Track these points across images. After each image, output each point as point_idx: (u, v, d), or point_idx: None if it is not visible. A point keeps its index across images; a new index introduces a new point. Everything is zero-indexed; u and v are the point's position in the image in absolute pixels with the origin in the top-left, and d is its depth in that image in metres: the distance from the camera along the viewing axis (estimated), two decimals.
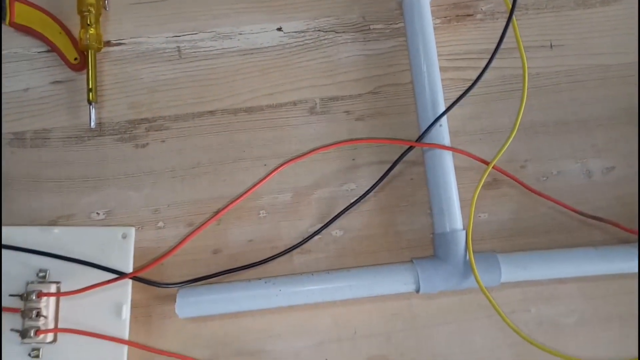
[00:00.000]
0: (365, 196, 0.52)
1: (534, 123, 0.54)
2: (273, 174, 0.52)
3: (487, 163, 0.51)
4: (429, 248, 0.52)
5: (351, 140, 0.53)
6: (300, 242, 0.52)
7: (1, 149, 0.52)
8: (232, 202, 0.52)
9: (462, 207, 0.50)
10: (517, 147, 0.54)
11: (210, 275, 0.50)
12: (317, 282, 0.49)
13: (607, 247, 0.50)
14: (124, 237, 0.48)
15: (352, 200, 0.52)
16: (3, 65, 0.54)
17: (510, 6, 0.48)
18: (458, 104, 0.53)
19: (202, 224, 0.51)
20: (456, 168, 0.51)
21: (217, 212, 0.51)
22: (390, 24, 0.56)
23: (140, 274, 0.48)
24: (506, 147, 0.50)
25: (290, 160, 0.52)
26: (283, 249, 0.51)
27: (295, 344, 0.50)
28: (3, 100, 0.53)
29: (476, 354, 0.50)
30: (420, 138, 0.51)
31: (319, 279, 0.49)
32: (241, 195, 0.52)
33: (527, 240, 0.52)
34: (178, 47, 0.55)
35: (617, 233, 0.51)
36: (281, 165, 0.52)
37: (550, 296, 0.51)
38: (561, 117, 0.54)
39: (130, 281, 0.47)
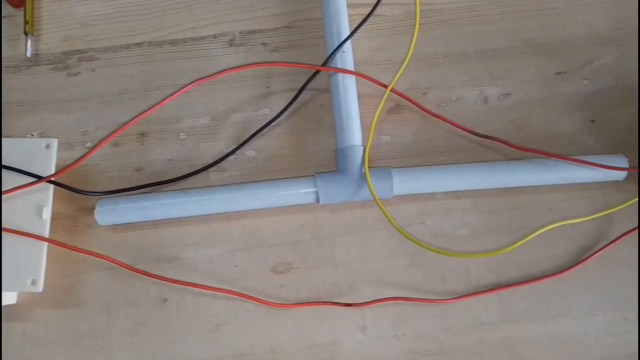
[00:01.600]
0: (276, 119, 0.57)
1: (437, 54, 0.59)
2: (182, 90, 0.57)
3: (386, 86, 0.56)
4: (334, 167, 0.56)
5: (260, 63, 0.58)
6: (215, 161, 0.57)
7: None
8: (144, 112, 0.57)
9: (365, 129, 0.55)
10: (419, 75, 0.58)
11: (130, 188, 0.55)
12: (225, 192, 0.54)
13: (495, 162, 0.55)
14: (47, 147, 0.53)
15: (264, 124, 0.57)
16: None
17: None
18: (367, 37, 0.58)
19: (118, 129, 0.56)
20: (362, 95, 0.56)
21: (129, 120, 0.57)
22: None
23: (60, 178, 0.53)
24: (400, 72, 0.55)
25: (200, 79, 0.57)
26: (200, 167, 0.57)
27: (208, 251, 0.55)
28: None
29: (374, 261, 0.54)
30: (324, 63, 0.56)
31: (228, 189, 0.54)
32: (153, 106, 0.57)
33: (426, 159, 0.57)
34: None
35: (509, 154, 0.56)
36: (191, 83, 0.57)
37: (445, 210, 0.56)
38: (462, 49, 0.59)
39: (51, 186, 0.52)
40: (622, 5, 0.59)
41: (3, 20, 0.60)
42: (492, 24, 0.59)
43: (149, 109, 0.57)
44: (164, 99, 0.57)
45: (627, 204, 0.53)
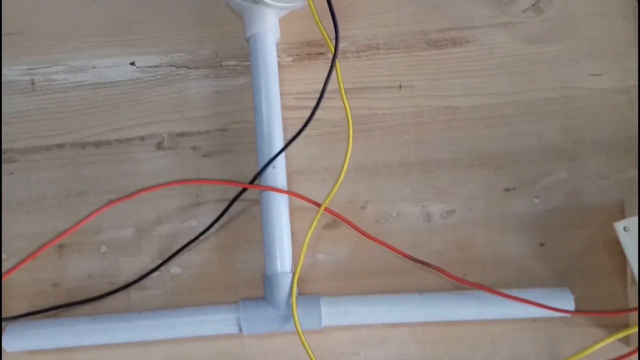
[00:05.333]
0: (203, 234, 0.55)
1: (377, 163, 0.57)
2: (96, 213, 0.55)
3: (319, 205, 0.54)
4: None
5: (183, 180, 0.56)
6: (137, 278, 0.54)
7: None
8: (62, 233, 0.55)
9: (298, 247, 0.53)
10: (359, 187, 0.56)
11: (43, 310, 0.53)
12: (142, 319, 0.52)
13: (433, 293, 0.52)
14: None
15: (192, 237, 0.55)
16: None
17: (333, 51, 0.50)
18: (304, 144, 0.56)
19: (32, 254, 0.54)
20: (296, 208, 0.54)
21: (46, 243, 0.54)
22: (242, 60, 0.59)
23: None
24: (334, 191, 0.52)
25: (116, 200, 0.55)
26: (121, 284, 0.54)
27: None
28: None
29: None
30: (253, 180, 0.53)
31: (145, 317, 0.52)
32: (71, 227, 0.55)
33: (362, 282, 0.55)
34: (32, 79, 0.58)
35: (450, 279, 0.53)
36: (104, 206, 0.55)
37: (381, 340, 0.54)
38: (404, 159, 0.57)
39: None
40: (576, 114, 0.57)
41: None
42: (438, 132, 0.57)
43: (67, 230, 0.55)
44: (81, 220, 0.55)
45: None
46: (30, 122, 0.58)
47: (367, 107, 0.57)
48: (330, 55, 0.58)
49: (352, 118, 0.57)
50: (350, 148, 0.51)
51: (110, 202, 0.55)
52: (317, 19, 0.51)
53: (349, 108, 0.51)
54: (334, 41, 0.51)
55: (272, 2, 0.52)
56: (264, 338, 0.54)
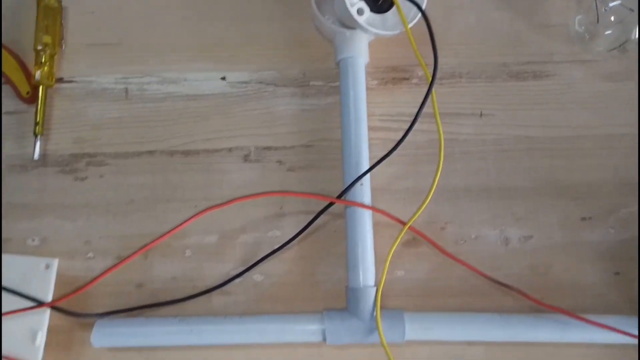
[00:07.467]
0: (287, 244, 0.57)
1: (457, 187, 0.60)
2: (193, 218, 0.58)
3: (404, 223, 0.56)
4: (344, 300, 0.56)
5: (273, 192, 0.59)
6: (220, 284, 0.57)
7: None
8: (156, 239, 0.57)
9: (379, 262, 0.55)
10: (439, 209, 0.59)
11: (129, 309, 0.55)
12: (228, 323, 0.54)
13: (512, 314, 0.55)
14: (47, 267, 0.53)
15: (275, 247, 0.58)
16: None
17: (430, 78, 0.54)
18: (387, 163, 0.58)
19: (125, 259, 0.57)
20: (378, 224, 0.57)
21: (140, 248, 0.57)
22: (329, 82, 0.62)
23: (59, 304, 0.53)
24: (421, 210, 0.55)
25: (210, 208, 0.58)
26: (204, 289, 0.57)
27: None
28: None
29: None
30: (340, 195, 0.56)
31: (232, 321, 0.54)
32: (165, 234, 0.57)
33: (440, 300, 0.57)
34: (126, 88, 0.62)
35: (528, 302, 0.56)
36: (201, 212, 0.58)
37: (457, 357, 0.56)
38: (484, 184, 0.60)
39: (48, 309, 0.52)
40: None
41: (13, 116, 0.61)
42: (517, 161, 0.60)
43: (156, 239, 0.58)
44: (176, 227, 0.58)
45: None
46: (122, 128, 0.61)
47: (448, 132, 0.61)
48: (415, 82, 0.62)
49: (433, 142, 0.60)
50: (440, 169, 0.54)
51: (207, 208, 0.58)
52: (415, 46, 0.54)
53: (442, 132, 0.54)
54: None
55: (370, 28, 0.56)
56: (342, 349, 0.56)
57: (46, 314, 0.52)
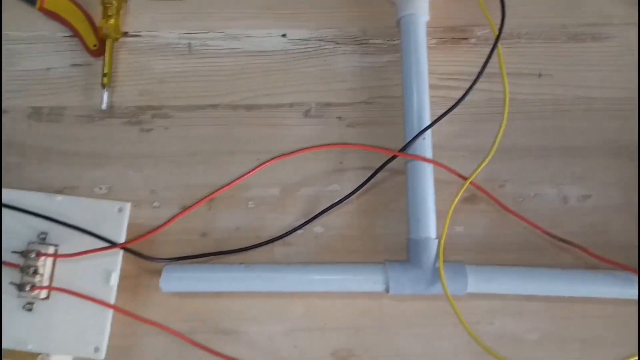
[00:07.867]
0: (347, 198, 0.59)
1: (517, 146, 0.61)
2: (261, 167, 0.59)
3: (465, 178, 0.57)
4: (403, 254, 0.57)
5: (338, 144, 0.60)
6: (282, 234, 0.58)
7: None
8: (220, 188, 0.59)
9: (438, 218, 0.56)
10: (498, 167, 0.60)
11: (196, 255, 0.57)
12: (293, 272, 0.55)
13: (574, 269, 0.56)
14: (120, 210, 0.55)
15: (335, 201, 0.59)
16: (30, 46, 0.63)
17: (497, 34, 0.55)
18: (446, 121, 0.59)
19: (191, 206, 0.59)
20: (437, 181, 0.58)
21: (206, 196, 0.59)
22: (388, 40, 0.63)
23: (130, 246, 0.55)
24: (483, 165, 0.56)
25: (278, 156, 0.60)
26: (266, 239, 0.58)
27: (268, 328, 0.57)
28: (27, 77, 0.62)
29: (438, 357, 0.56)
30: (403, 149, 0.57)
31: (295, 269, 0.56)
32: (230, 183, 0.59)
33: (499, 256, 0.58)
34: (189, 43, 0.64)
35: (585, 258, 0.57)
36: (269, 160, 0.59)
37: (515, 312, 0.57)
38: (543, 143, 0.61)
39: (121, 251, 0.54)
40: None
41: (80, 68, 0.63)
42: (576, 121, 0.61)
43: (222, 187, 0.59)
44: (242, 175, 0.59)
45: None
46: (186, 82, 0.63)
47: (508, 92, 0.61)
48: (473, 41, 0.63)
49: (492, 101, 0.61)
50: (503, 127, 0.55)
51: (273, 158, 0.60)
52: (482, 3, 0.55)
53: (507, 89, 0.55)
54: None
55: None
56: (401, 300, 0.57)
57: (119, 255, 0.54)
